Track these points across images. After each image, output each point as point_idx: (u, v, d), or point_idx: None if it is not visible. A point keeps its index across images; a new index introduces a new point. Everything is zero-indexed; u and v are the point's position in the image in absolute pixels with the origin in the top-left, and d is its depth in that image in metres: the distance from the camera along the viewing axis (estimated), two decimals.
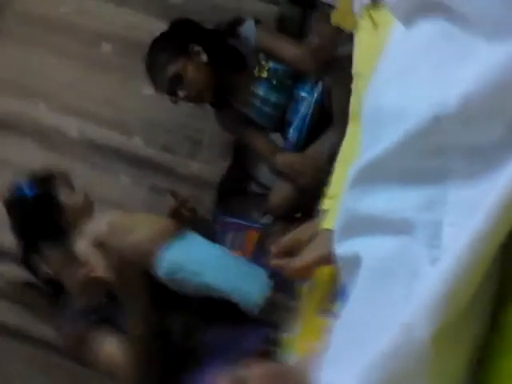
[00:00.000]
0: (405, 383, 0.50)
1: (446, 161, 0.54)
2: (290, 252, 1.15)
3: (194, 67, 1.82)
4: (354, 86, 1.31)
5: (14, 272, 1.86)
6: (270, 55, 1.85)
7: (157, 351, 1.43)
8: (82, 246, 1.53)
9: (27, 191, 1.61)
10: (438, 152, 0.55)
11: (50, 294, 1.70)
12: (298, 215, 1.87)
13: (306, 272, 1.18)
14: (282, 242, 1.19)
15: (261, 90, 1.89)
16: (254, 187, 2.26)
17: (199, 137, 2.15)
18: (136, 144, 2.15)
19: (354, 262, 0.66)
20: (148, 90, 1.99)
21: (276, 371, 0.79)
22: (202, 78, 1.83)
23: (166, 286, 1.49)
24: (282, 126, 1.94)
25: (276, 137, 1.99)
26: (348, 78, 1.33)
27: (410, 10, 0.64)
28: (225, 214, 2.04)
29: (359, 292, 0.64)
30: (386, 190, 0.61)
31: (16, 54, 2.20)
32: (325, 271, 1.18)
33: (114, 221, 1.58)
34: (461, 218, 0.50)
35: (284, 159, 1.88)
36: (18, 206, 1.63)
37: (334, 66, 1.64)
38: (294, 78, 1.88)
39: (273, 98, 1.89)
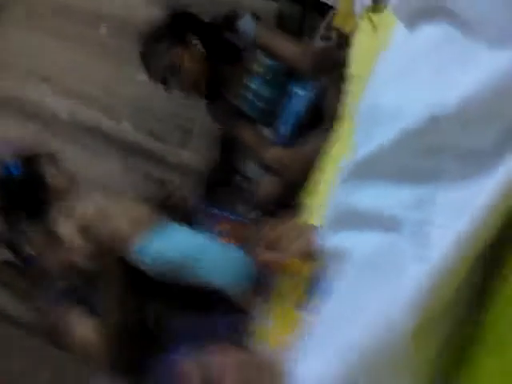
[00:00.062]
0: (382, 374, 0.51)
1: (439, 161, 0.55)
2: (273, 246, 1.16)
3: (189, 58, 1.83)
4: (349, 87, 1.32)
5: None
6: (267, 51, 1.85)
7: (129, 337, 1.43)
8: (67, 228, 1.52)
9: (13, 170, 1.60)
10: (433, 152, 0.55)
11: (29, 273, 1.69)
12: (283, 210, 1.87)
13: (281, 264, 1.19)
14: (267, 235, 1.19)
15: (254, 84, 1.90)
16: (239, 181, 2.26)
17: (190, 126, 2.15)
18: (125, 129, 2.14)
19: (341, 255, 0.67)
20: (142, 76, 1.98)
21: (247, 361, 0.79)
22: (196, 68, 1.84)
23: (142, 272, 1.50)
24: (272, 120, 1.94)
25: (266, 131, 1.99)
26: (343, 80, 1.33)
27: (413, 13, 0.65)
28: (212, 205, 2.04)
29: (344, 286, 0.65)
30: (377, 187, 0.62)
31: (14, 37, 2.19)
32: (303, 266, 1.18)
33: (101, 205, 1.58)
34: (448, 219, 0.51)
35: (273, 153, 1.89)
36: (3, 184, 1.62)
37: (332, 68, 1.65)
38: (288, 74, 1.89)
39: (266, 92, 1.90)
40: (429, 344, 0.51)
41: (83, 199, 1.60)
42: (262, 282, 1.42)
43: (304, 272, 1.17)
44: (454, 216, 0.50)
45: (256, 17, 1.91)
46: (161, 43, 1.82)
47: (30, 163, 1.61)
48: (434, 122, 0.53)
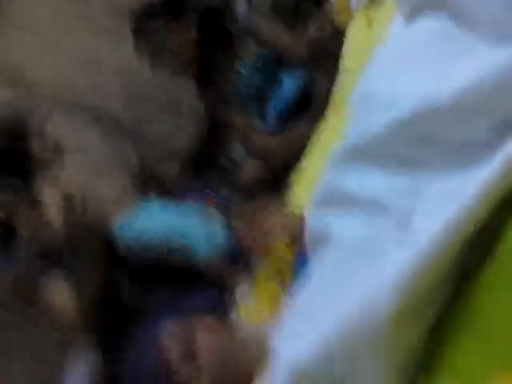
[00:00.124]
0: (359, 354, 0.52)
1: (431, 151, 0.56)
2: (258, 229, 1.18)
3: (183, 38, 1.82)
4: (340, 78, 1.34)
5: None
6: (260, 38, 1.86)
7: (103, 311, 1.43)
8: (52, 196, 1.51)
9: None
10: (425, 142, 0.56)
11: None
12: (263, 195, 1.88)
13: (264, 245, 1.21)
14: (252, 218, 1.21)
15: (245, 70, 1.90)
16: (223, 162, 2.26)
17: (177, 106, 2.15)
18: (112, 105, 2.13)
19: (324, 236, 0.68)
20: (131, 53, 1.96)
21: (226, 337, 0.81)
22: (189, 50, 1.84)
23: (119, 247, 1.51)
24: (260, 107, 1.95)
25: (255, 117, 2.00)
26: (334, 70, 1.35)
27: (414, 5, 0.66)
28: (189, 183, 2.04)
29: (327, 268, 0.66)
30: (367, 173, 0.63)
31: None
32: (285, 247, 1.20)
33: (85, 180, 1.58)
34: (436, 207, 0.53)
35: (260, 139, 1.90)
36: None
37: (325, 60, 1.67)
38: (278, 61, 1.89)
39: (256, 79, 1.90)
40: (410, 329, 0.52)
41: (68, 169, 1.59)
42: (244, 262, 1.43)
43: (284, 253, 1.20)
44: (442, 204, 0.51)
45: (251, 3, 1.91)
46: (156, 20, 1.82)
47: (15, 126, 1.59)
48: (429, 113, 0.54)
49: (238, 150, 2.10)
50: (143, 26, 1.83)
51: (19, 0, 2.18)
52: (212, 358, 0.73)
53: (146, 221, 1.53)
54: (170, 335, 0.75)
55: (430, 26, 0.62)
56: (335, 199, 0.67)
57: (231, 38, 1.88)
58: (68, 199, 1.49)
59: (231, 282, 1.45)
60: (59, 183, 1.53)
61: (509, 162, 0.47)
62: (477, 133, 0.52)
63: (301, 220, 1.02)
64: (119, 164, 2.05)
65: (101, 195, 1.53)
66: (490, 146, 0.50)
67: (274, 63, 1.89)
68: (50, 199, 1.49)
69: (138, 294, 1.50)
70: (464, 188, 0.49)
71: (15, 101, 2.04)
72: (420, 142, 0.57)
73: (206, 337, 0.75)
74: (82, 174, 1.59)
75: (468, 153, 0.52)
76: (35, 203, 1.51)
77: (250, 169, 1.92)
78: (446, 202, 0.50)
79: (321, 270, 0.68)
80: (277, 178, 1.74)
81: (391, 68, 0.66)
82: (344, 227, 0.65)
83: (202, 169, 2.14)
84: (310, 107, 1.80)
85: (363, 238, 0.62)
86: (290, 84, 1.87)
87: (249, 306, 1.21)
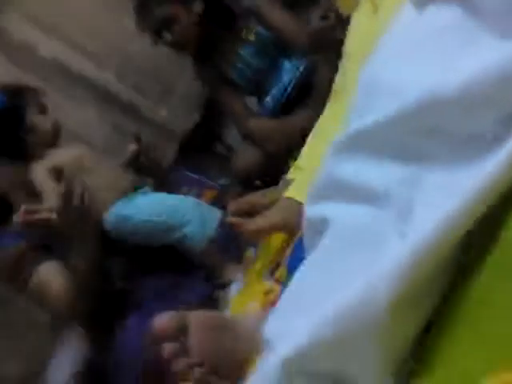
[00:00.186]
0: (355, 342, 0.50)
1: (436, 143, 0.55)
2: (249, 213, 1.16)
3: (188, 15, 1.80)
4: (342, 65, 1.31)
5: None
6: (264, 21, 1.83)
7: (95, 288, 1.41)
8: (39, 171, 1.49)
9: None
10: (430, 133, 0.55)
11: None
12: (258, 183, 1.87)
13: (260, 235, 1.19)
14: (243, 200, 1.19)
15: (245, 53, 1.87)
16: (218, 147, 2.24)
17: (172, 84, 2.12)
18: (107, 78, 2.09)
19: (322, 225, 0.66)
20: (132, 26, 1.93)
21: (219, 321, 0.80)
22: (191, 27, 1.81)
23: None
24: (259, 91, 1.93)
25: (251, 102, 1.97)
26: (336, 58, 1.33)
27: None
28: (183, 168, 2.02)
29: (322, 256, 0.65)
30: (368, 160, 0.62)
31: None
32: (276, 237, 1.19)
33: (78, 156, 1.55)
34: (436, 198, 0.51)
35: (258, 123, 1.87)
36: None
37: (328, 47, 1.64)
38: (280, 46, 1.87)
39: (256, 62, 1.88)
40: (408, 319, 0.51)
41: (61, 148, 1.56)
42: (237, 251, 1.42)
43: (275, 243, 1.18)
44: (444, 195, 0.50)
45: None
46: None
47: (15, 97, 1.56)
48: (434, 104, 0.53)
49: (233, 135, 2.08)
50: (145, 2, 1.80)
51: None
52: (204, 348, 0.72)
53: (137, 205, 1.51)
54: (165, 314, 0.74)
55: (440, 14, 0.61)
56: (335, 187, 0.65)
57: (234, 19, 1.85)
58: (57, 172, 1.46)
59: (224, 272, 1.44)
60: (51, 160, 1.50)
61: None
62: (483, 125, 0.51)
63: (298, 208, 1.00)
64: (107, 138, 2.02)
65: (98, 181, 1.50)
66: (496, 139, 0.49)
67: (276, 48, 1.87)
68: (40, 176, 1.46)
69: (130, 283, 1.49)
70: (467, 180, 0.48)
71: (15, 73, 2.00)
72: (424, 132, 0.56)
73: (197, 328, 0.74)
74: (78, 152, 1.56)
75: (474, 145, 0.51)
76: (25, 179, 1.48)
77: (244, 155, 1.90)
78: (448, 194, 0.49)
79: (318, 258, 0.66)
80: (274, 165, 1.72)
81: (397, 57, 0.65)
82: (344, 216, 0.64)
83: (193, 152, 2.13)
84: (310, 94, 1.77)
85: (363, 227, 0.61)
86: (290, 70, 1.85)
87: (240, 298, 1.19)
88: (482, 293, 0.47)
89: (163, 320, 0.71)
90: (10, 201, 1.49)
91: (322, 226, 0.67)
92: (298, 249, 0.99)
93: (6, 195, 1.50)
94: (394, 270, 0.48)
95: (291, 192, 1.12)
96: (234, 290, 1.30)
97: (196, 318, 0.74)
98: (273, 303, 0.91)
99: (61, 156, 1.54)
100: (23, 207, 1.33)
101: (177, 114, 2.12)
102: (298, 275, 0.68)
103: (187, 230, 1.47)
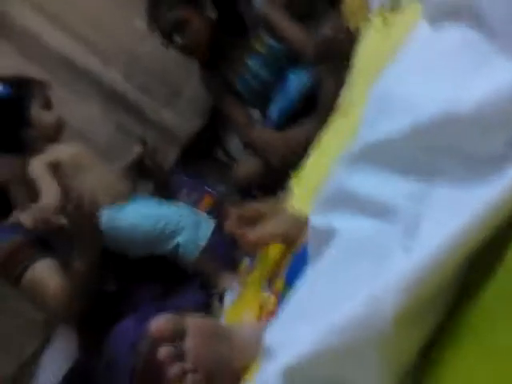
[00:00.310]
0: (359, 352, 0.50)
1: (447, 161, 0.55)
2: (248, 222, 1.15)
3: (200, 19, 1.80)
4: (349, 79, 1.31)
5: None
6: (273, 32, 1.83)
7: (91, 290, 1.39)
8: (37, 165, 1.48)
9: (1, 89, 1.53)
10: (442, 151, 0.56)
11: None
12: (258, 193, 1.86)
13: (259, 245, 1.18)
14: (244, 209, 1.18)
15: (253, 63, 1.87)
16: (219, 154, 2.24)
17: (179, 88, 2.11)
18: (114, 77, 2.09)
19: (328, 234, 0.66)
20: (143, 27, 1.93)
21: (216, 329, 0.79)
22: (203, 32, 1.82)
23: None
24: (263, 103, 1.93)
25: (254, 113, 1.97)
26: (342, 72, 1.33)
27: (439, 12, 0.65)
28: (183, 172, 2.02)
29: (326, 267, 0.64)
30: (378, 173, 0.62)
31: None
32: (274, 249, 1.18)
33: (76, 154, 1.54)
34: (444, 215, 0.51)
35: (261, 134, 1.87)
36: None
37: (334, 59, 1.65)
38: (288, 58, 1.87)
39: (263, 73, 1.88)
40: (412, 333, 0.51)
41: (60, 144, 1.56)
42: (233, 261, 1.41)
43: (273, 254, 1.17)
44: (452, 213, 0.50)
45: None
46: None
47: (21, 88, 1.55)
48: (448, 122, 0.53)
49: (236, 144, 2.08)
50: (158, 4, 1.80)
51: None
52: (200, 354, 0.71)
53: (132, 210, 1.50)
54: (162, 317, 0.73)
55: (455, 33, 0.62)
56: (344, 199, 0.65)
57: (245, 27, 1.85)
58: (54, 167, 1.45)
59: (218, 280, 1.43)
60: (48, 156, 1.49)
61: None
62: (495, 146, 0.51)
63: (299, 221, 0.99)
64: (110, 137, 2.01)
65: (94, 181, 1.49)
66: (505, 160, 0.49)
67: (284, 59, 1.87)
68: (37, 171, 1.44)
69: (126, 287, 1.48)
70: (476, 199, 0.49)
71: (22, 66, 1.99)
72: (438, 149, 0.57)
73: (195, 333, 0.73)
74: (76, 150, 1.55)
75: (487, 165, 0.51)
76: (24, 173, 1.47)
77: (246, 165, 1.90)
78: (456, 211, 0.50)
79: (323, 268, 0.66)
80: (274, 175, 1.71)
81: (412, 73, 0.65)
82: (351, 227, 0.65)
83: (195, 158, 2.12)
84: (315, 107, 1.77)
85: (369, 240, 0.61)
86: (296, 83, 1.85)
87: (235, 307, 1.18)
88: (487, 308, 0.47)
89: (160, 322, 0.70)
90: (9, 195, 1.48)
91: (328, 235, 0.67)
92: (296, 261, 0.98)
93: (6, 188, 1.49)
94: (399, 284, 0.48)
95: (292, 204, 1.12)
96: (228, 299, 1.29)
97: (194, 323, 0.73)
98: (270, 313, 0.90)
99: (60, 152, 1.53)
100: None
101: (182, 117, 2.12)
102: (302, 284, 0.68)
103: (180, 239, 1.46)
